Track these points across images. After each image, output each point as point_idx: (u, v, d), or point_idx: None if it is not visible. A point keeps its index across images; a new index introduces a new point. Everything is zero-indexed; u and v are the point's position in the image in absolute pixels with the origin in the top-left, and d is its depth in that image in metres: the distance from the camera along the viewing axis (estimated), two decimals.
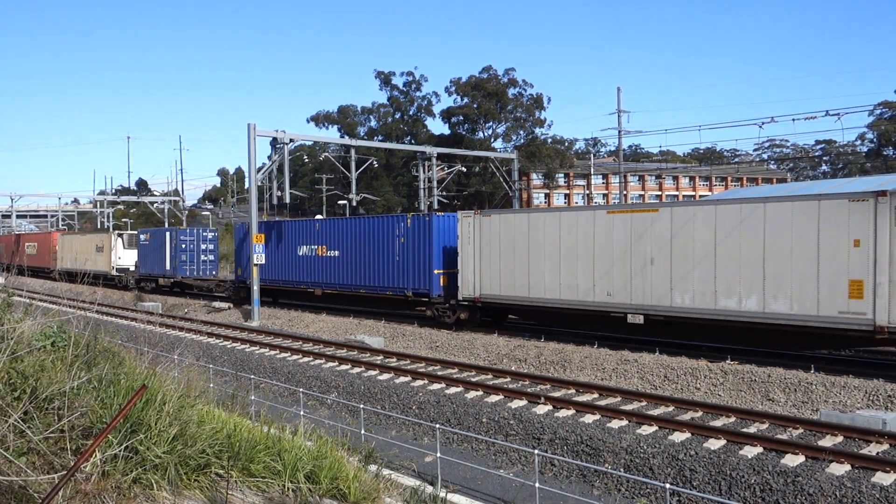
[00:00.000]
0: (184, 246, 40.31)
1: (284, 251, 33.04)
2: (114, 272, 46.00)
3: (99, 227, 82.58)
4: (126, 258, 46.05)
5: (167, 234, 41.79)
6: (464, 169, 51.56)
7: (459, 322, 24.88)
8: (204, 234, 41.69)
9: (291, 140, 33.28)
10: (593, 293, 20.77)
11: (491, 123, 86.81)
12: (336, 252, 30.17)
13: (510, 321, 26.59)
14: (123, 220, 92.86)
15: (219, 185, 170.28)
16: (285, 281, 32.98)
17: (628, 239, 20.01)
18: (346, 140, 54.28)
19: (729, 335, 18.63)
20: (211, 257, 40.92)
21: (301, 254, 31.98)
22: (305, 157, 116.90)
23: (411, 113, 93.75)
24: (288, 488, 6.08)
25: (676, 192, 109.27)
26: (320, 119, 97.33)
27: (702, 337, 19.52)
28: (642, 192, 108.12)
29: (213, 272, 40.99)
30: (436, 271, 25.72)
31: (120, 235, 47.98)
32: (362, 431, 13.39)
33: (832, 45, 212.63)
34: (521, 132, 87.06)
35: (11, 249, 64.45)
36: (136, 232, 48.32)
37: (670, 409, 14.51)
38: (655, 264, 19.43)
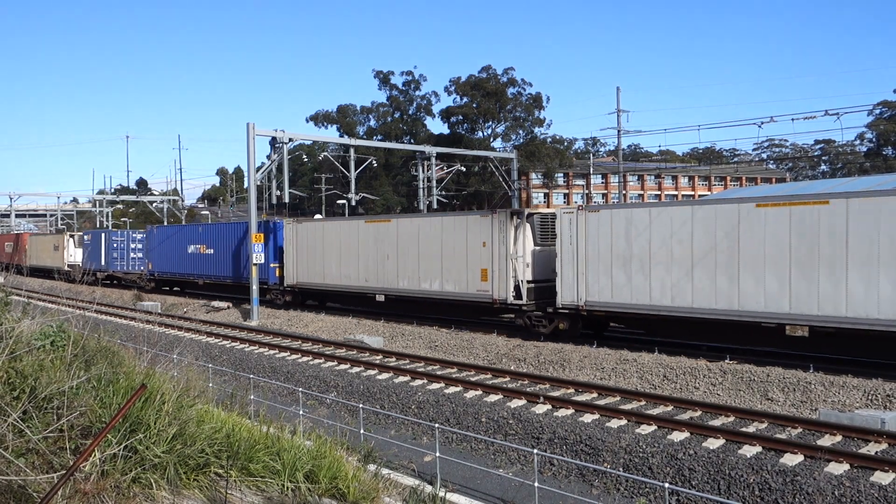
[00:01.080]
0: (115, 245, 47.85)
1: (179, 249, 39.88)
2: (66, 267, 52.33)
3: (98, 226, 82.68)
4: (76, 255, 52.81)
5: (102, 235, 49.67)
6: (463, 168, 51.59)
7: (287, 304, 32.08)
8: (133, 235, 48.82)
9: (290, 139, 33.28)
10: (359, 279, 28.66)
11: (490, 123, 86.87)
12: (211, 250, 37.38)
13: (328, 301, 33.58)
14: (123, 219, 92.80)
15: (218, 184, 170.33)
16: (180, 273, 39.71)
17: (374, 241, 27.92)
18: (346, 140, 54.28)
19: (426, 306, 27.24)
20: (139, 255, 47.09)
21: (190, 251, 39.04)
22: (304, 156, 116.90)
23: (410, 112, 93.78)
24: (287, 488, 6.08)
25: (675, 192, 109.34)
26: (319, 118, 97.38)
27: (409, 307, 28.03)
28: (641, 192, 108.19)
29: (141, 267, 46.41)
30: (272, 265, 32.90)
31: (71, 237, 54.88)
32: (361, 431, 13.40)
33: (832, 44, 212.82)
34: (521, 132, 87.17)
35: None
36: (82, 233, 55.78)
37: (669, 408, 14.52)
38: (390, 260, 27.20)
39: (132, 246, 47.13)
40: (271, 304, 32.92)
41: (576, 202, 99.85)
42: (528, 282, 22.92)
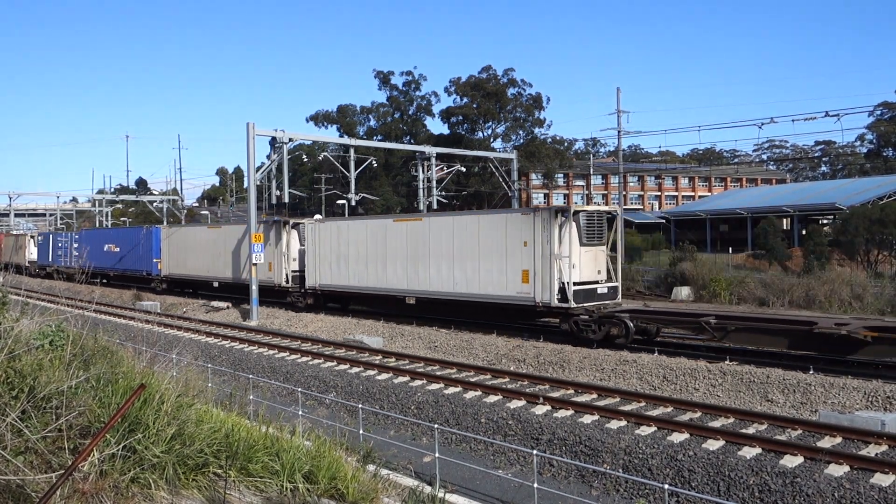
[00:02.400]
0: (60, 244, 55.04)
1: (99, 247, 49.19)
2: (27, 263, 61.53)
3: (98, 225, 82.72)
4: (34, 254, 62.04)
5: (51, 236, 58.92)
6: (463, 169, 51.57)
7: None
8: (74, 236, 55.42)
9: (290, 139, 33.28)
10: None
11: (490, 123, 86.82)
12: (118, 248, 47.18)
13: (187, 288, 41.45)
14: (122, 219, 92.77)
15: (218, 184, 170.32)
16: (100, 266, 47.62)
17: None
18: (346, 140, 54.27)
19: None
20: (76, 252, 53.26)
21: (105, 250, 48.41)
22: (304, 156, 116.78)
23: (410, 113, 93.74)
24: (286, 488, 6.07)
25: (676, 193, 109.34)
26: (319, 118, 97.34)
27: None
28: (642, 193, 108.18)
29: (78, 262, 52.35)
30: (154, 260, 42.62)
31: (32, 237, 64.11)
32: (361, 431, 13.38)
33: (832, 45, 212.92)
34: (521, 132, 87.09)
35: None
36: (39, 234, 64.84)
37: (669, 409, 14.50)
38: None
39: (75, 245, 53.23)
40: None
41: (576, 202, 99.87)
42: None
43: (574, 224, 22.17)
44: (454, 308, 25.97)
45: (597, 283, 22.46)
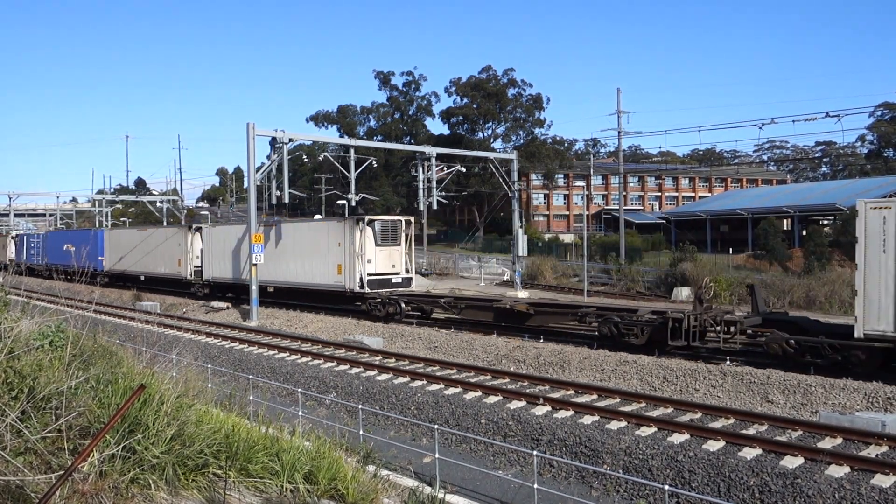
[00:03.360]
0: (32, 244, 61.61)
1: (59, 247, 53.87)
2: (8, 262, 65.02)
3: (98, 225, 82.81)
4: (14, 253, 67.40)
5: (25, 237, 66.22)
6: (463, 169, 51.46)
7: (105, 283, 39.73)
8: (42, 237, 61.77)
9: (290, 140, 33.25)
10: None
11: (490, 124, 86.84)
12: (73, 248, 50.54)
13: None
14: (122, 219, 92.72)
15: (218, 184, 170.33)
16: (60, 264, 50.09)
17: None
18: (346, 140, 54.24)
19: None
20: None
21: (64, 249, 52.20)
22: (304, 156, 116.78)
23: (411, 113, 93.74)
24: (286, 489, 6.06)
25: (676, 193, 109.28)
26: (319, 119, 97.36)
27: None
28: (642, 193, 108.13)
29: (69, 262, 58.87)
30: (100, 258, 48.11)
31: (13, 238, 68.95)
32: (361, 432, 13.37)
33: (833, 46, 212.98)
34: (521, 132, 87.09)
35: None
36: (16, 235, 71.01)
37: (669, 410, 14.49)
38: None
39: (41, 245, 60.10)
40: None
41: (576, 203, 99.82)
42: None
43: (370, 229, 29.39)
44: (297, 293, 33.25)
45: (392, 274, 29.78)
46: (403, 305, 27.74)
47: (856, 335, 16.26)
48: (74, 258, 49.77)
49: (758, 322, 19.48)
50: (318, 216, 64.64)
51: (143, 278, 44.24)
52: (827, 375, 16.14)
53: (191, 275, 38.69)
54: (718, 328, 19.54)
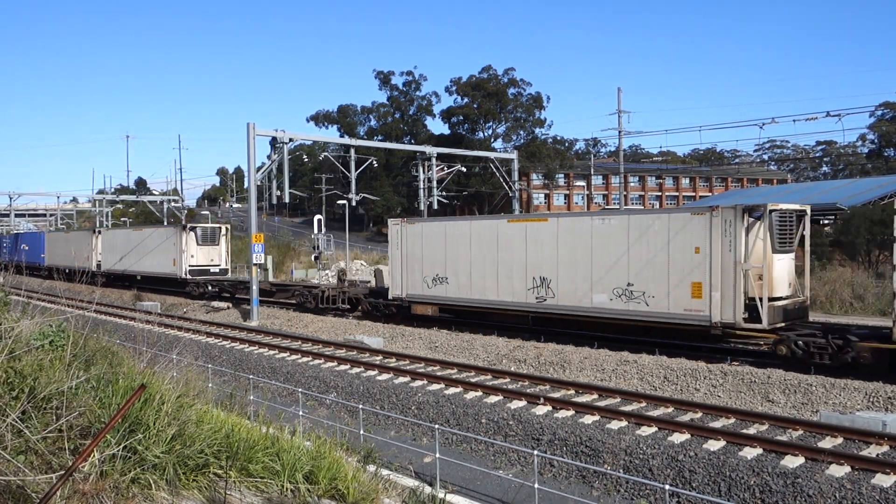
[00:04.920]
0: (4, 244, 67.61)
1: (18, 246, 60.19)
2: None
3: (98, 225, 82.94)
4: None
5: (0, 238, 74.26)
6: (464, 169, 51.50)
7: (46, 275, 43.41)
8: (6, 238, 69.53)
9: (291, 139, 33.26)
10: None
11: (491, 123, 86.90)
12: (28, 247, 58.72)
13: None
14: (122, 218, 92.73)
15: (218, 184, 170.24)
16: (17, 261, 53.55)
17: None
18: (346, 140, 54.26)
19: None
20: (5, 251, 65.37)
21: (21, 248, 59.00)
22: (305, 156, 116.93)
23: (411, 113, 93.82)
24: (286, 488, 6.06)
25: (677, 193, 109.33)
26: (320, 119, 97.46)
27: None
28: (642, 193, 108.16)
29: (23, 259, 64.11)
30: (42, 255, 55.48)
31: None
32: (361, 432, 13.37)
33: (833, 45, 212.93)
34: (521, 132, 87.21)
35: None
36: None
37: (670, 410, 14.49)
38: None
39: (5, 245, 67.35)
40: (45, 277, 43.04)
41: (576, 203, 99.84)
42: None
43: (193, 233, 40.44)
44: (151, 280, 42.20)
45: (211, 266, 41.02)
46: (210, 288, 37.88)
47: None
48: (27, 256, 58.76)
49: None
50: (317, 216, 64.70)
51: (66, 270, 51.17)
52: (827, 375, 16.13)
53: (95, 266, 47.63)
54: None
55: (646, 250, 20.00)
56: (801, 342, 17.24)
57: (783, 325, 18.19)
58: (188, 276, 39.35)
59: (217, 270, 40.40)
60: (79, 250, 49.24)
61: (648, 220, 20.52)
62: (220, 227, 42.55)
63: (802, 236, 19.43)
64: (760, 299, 17.66)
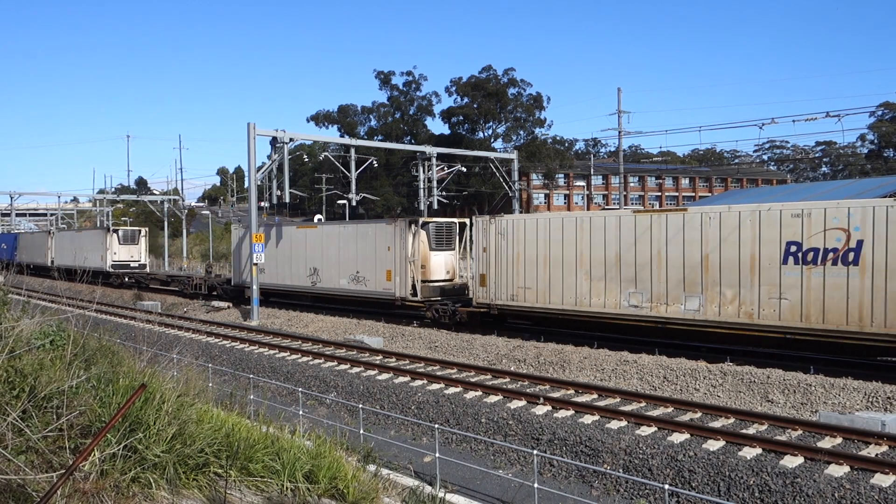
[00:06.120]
0: None
1: None
2: None
3: (98, 225, 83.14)
4: None
5: None
6: (464, 169, 51.52)
7: (18, 271, 45.56)
8: None
9: (291, 139, 33.26)
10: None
11: (491, 123, 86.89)
12: (6, 245, 65.78)
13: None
14: (123, 218, 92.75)
15: (218, 184, 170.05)
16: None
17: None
18: (346, 140, 54.26)
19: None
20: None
21: (2, 247, 66.64)
22: (305, 156, 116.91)
23: (411, 113, 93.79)
24: (286, 488, 6.07)
25: (676, 193, 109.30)
26: (320, 118, 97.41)
27: None
28: (642, 193, 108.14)
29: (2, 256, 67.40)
30: (14, 253, 60.59)
31: None
32: (361, 431, 13.38)
33: (833, 45, 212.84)
34: (521, 132, 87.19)
35: None
36: None
37: (669, 409, 14.50)
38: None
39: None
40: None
41: (576, 203, 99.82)
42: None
43: (115, 234, 49.16)
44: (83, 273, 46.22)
45: (131, 261, 49.07)
46: (127, 279, 47.12)
47: None
48: (4, 254, 66.81)
49: None
50: (318, 216, 64.90)
51: (31, 267, 54.17)
52: (827, 375, 16.14)
53: (50, 262, 55.69)
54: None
55: (365, 248, 29.06)
56: (436, 309, 25.93)
57: (437, 299, 26.90)
58: (111, 270, 48.13)
59: (136, 265, 48.95)
60: (41, 249, 58.02)
61: (368, 227, 29.63)
62: (139, 230, 51.45)
63: (462, 238, 28.83)
64: (418, 281, 27.10)
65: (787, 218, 17.20)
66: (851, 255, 16.13)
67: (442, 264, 27.95)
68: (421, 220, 28.05)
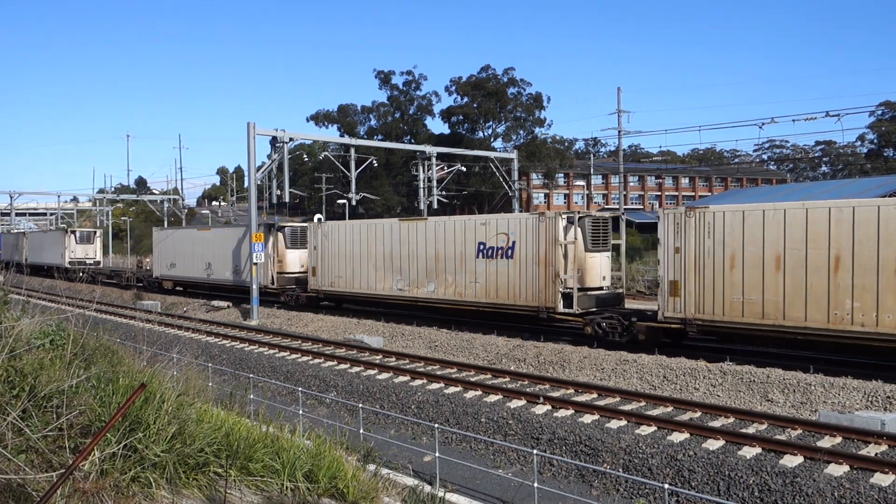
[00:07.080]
0: None
1: None
2: None
3: (98, 224, 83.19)
4: None
5: None
6: (463, 169, 51.54)
7: (2, 269, 51.60)
8: None
9: (291, 139, 33.28)
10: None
11: (491, 123, 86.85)
12: None
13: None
14: (123, 218, 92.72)
15: (218, 183, 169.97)
16: None
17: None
18: (346, 139, 54.27)
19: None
20: None
21: None
22: (305, 156, 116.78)
23: (411, 112, 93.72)
24: (286, 487, 6.07)
25: (676, 193, 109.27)
26: (320, 118, 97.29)
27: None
28: (642, 192, 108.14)
29: None
30: (0, 251, 67.43)
31: None
32: (361, 431, 13.39)
33: (833, 45, 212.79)
34: (521, 132, 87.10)
35: None
36: None
37: (669, 409, 14.51)
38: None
39: None
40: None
41: (576, 203, 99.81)
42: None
43: (73, 235, 54.41)
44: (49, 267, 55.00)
45: (86, 258, 53.46)
46: (83, 274, 46.31)
47: None
48: None
49: None
50: (318, 215, 65.04)
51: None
52: (827, 374, 16.15)
53: (24, 260, 59.72)
54: None
55: (245, 247, 33.96)
56: (287, 294, 33.17)
57: (291, 287, 33.36)
58: (69, 266, 53.40)
59: (91, 262, 54.47)
60: (17, 248, 64.67)
61: (237, 231, 36.25)
62: (94, 231, 58.09)
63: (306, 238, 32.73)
64: (278, 273, 34.08)
65: (478, 226, 24.68)
66: (511, 252, 23.51)
67: (297, 260, 34.25)
68: (278, 224, 35.03)
